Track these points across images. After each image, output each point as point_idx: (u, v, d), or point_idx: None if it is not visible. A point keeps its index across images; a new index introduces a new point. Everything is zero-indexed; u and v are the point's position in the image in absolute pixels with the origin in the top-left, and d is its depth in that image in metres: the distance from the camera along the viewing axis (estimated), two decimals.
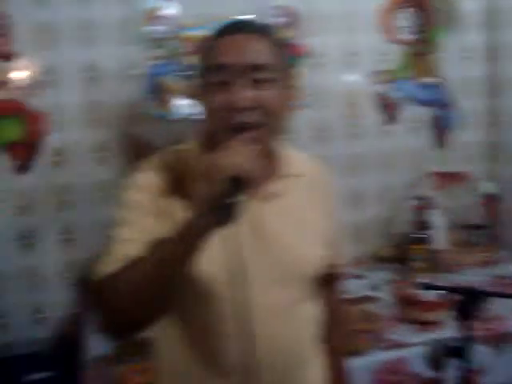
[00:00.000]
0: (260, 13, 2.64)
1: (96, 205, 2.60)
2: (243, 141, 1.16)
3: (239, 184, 1.04)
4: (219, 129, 1.22)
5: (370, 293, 2.39)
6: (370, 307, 2.23)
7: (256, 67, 1.22)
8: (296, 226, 1.34)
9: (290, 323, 1.30)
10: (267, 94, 1.22)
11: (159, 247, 1.12)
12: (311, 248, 1.35)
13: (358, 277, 2.57)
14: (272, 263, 1.27)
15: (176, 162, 1.31)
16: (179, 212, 1.19)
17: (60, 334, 2.44)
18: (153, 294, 1.10)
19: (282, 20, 2.69)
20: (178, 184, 1.27)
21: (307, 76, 2.72)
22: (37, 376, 2.20)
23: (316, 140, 2.86)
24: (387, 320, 2.17)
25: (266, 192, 1.31)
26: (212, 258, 1.19)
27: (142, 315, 1.13)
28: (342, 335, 1.59)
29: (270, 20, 2.66)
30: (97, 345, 2.12)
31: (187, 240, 1.07)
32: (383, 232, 3.00)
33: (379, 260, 2.86)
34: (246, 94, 1.20)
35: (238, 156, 1.06)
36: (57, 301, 2.58)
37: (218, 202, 1.03)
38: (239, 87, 1.20)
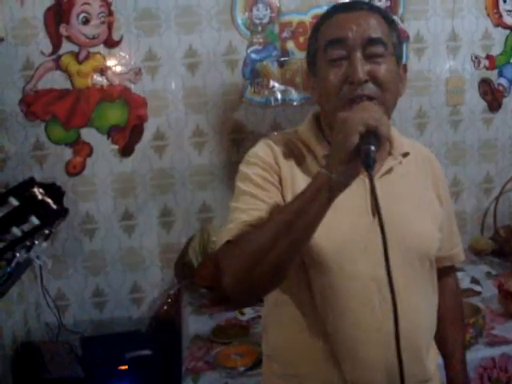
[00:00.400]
0: None
1: (194, 189, 2.64)
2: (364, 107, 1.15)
3: (374, 136, 1.03)
4: (336, 102, 1.22)
5: (470, 286, 2.31)
6: (473, 301, 2.15)
7: (371, 41, 1.22)
8: (413, 205, 1.32)
9: (415, 299, 1.29)
10: (382, 68, 1.22)
11: (286, 209, 1.14)
12: (428, 227, 1.34)
13: (457, 269, 2.49)
14: (393, 239, 1.25)
15: (290, 141, 1.34)
16: (298, 180, 1.23)
17: (159, 314, 2.51)
18: (278, 255, 1.10)
19: (381, 3, 2.63)
20: (293, 155, 1.30)
21: (408, 61, 2.68)
22: (137, 354, 2.26)
23: (416, 126, 2.79)
24: (490, 315, 2.10)
25: (380, 170, 1.30)
26: (331, 233, 1.21)
27: (264, 278, 1.13)
28: (460, 332, 1.55)
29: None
30: (196, 325, 2.18)
31: (317, 197, 1.07)
32: (483, 224, 2.91)
33: (478, 253, 2.77)
34: (363, 68, 1.20)
35: (368, 111, 1.06)
36: (155, 281, 2.66)
37: (354, 154, 1.02)
38: (357, 60, 1.21)
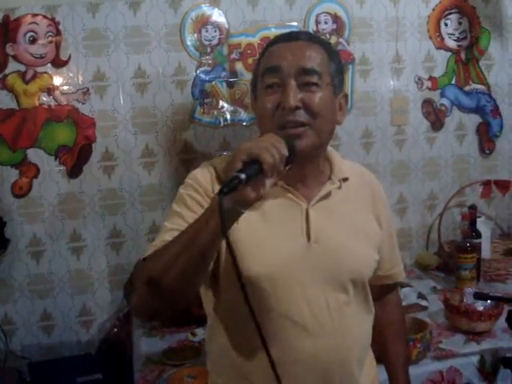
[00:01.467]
0: (305, 20, 2.66)
1: (144, 210, 2.63)
2: (290, 135, 1.23)
3: (255, 165, 1.06)
4: (270, 126, 1.28)
5: (417, 301, 2.36)
6: (420, 316, 2.20)
7: (304, 71, 1.28)
8: (348, 228, 1.37)
9: (343, 323, 1.33)
10: (315, 97, 1.28)
11: (188, 228, 1.17)
12: (363, 250, 1.39)
13: (404, 285, 2.53)
14: (325, 264, 1.32)
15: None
16: None
17: (109, 337, 2.47)
18: (178, 274, 1.13)
19: (328, 26, 2.69)
20: None
21: (354, 82, 2.74)
22: (88, 378, 2.22)
23: (363, 146, 2.85)
24: (437, 329, 2.15)
25: (318, 194, 1.35)
26: (265, 257, 1.27)
27: (168, 294, 1.16)
28: (403, 347, 1.61)
29: (315, 27, 2.67)
30: (147, 347, 2.16)
31: (209, 219, 1.10)
32: (427, 240, 2.99)
33: (423, 268, 2.84)
34: (295, 95, 1.26)
35: (261, 142, 1.09)
36: (105, 304, 2.62)
37: (230, 181, 1.04)
38: (289, 88, 1.27)
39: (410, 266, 2.90)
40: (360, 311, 1.40)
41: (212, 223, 1.08)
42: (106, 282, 2.63)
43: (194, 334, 2.21)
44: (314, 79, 1.28)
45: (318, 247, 1.31)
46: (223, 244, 1.21)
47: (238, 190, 1.04)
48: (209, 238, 1.10)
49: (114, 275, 2.62)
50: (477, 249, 2.52)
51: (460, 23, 2.89)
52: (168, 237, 1.22)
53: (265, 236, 1.29)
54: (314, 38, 1.37)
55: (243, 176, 1.04)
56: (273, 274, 1.28)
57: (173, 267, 1.12)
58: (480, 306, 2.15)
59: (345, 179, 1.40)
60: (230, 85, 2.62)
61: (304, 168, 1.34)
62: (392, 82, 2.86)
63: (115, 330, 2.50)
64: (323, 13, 2.68)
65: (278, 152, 1.08)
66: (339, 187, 1.38)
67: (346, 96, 1.40)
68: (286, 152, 1.10)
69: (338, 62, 1.37)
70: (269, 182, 1.09)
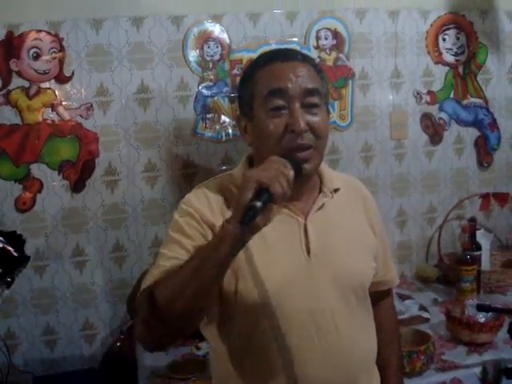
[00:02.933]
0: (306, 36, 2.70)
1: (146, 224, 2.64)
2: (301, 159, 1.26)
3: (266, 193, 1.08)
4: (277, 150, 1.27)
5: (419, 313, 2.38)
6: (421, 328, 2.22)
7: (309, 92, 1.30)
8: (345, 239, 1.40)
9: (349, 333, 1.35)
10: (318, 119, 1.31)
11: (194, 256, 1.18)
12: (362, 259, 1.42)
13: (405, 297, 2.56)
14: (327, 277, 1.34)
15: (226, 187, 1.37)
16: None
17: (112, 351, 2.47)
18: (187, 303, 1.13)
19: (328, 42, 2.73)
20: (226, 202, 1.34)
21: (353, 97, 2.78)
22: None
23: (363, 160, 2.87)
24: (439, 341, 2.17)
25: (312, 208, 1.38)
26: (268, 276, 1.28)
27: (176, 324, 1.17)
28: (397, 350, 1.63)
29: (316, 42, 2.71)
30: (151, 361, 2.16)
31: (219, 246, 1.11)
32: (427, 252, 3.01)
33: (424, 280, 2.86)
34: (303, 118, 1.27)
35: (270, 171, 1.11)
36: (108, 317, 2.63)
37: (243, 209, 1.07)
38: (298, 111, 1.27)
39: (411, 278, 2.92)
40: (364, 320, 1.43)
41: (222, 250, 1.10)
42: (109, 296, 2.63)
43: (197, 348, 2.22)
44: (316, 100, 1.31)
45: (319, 261, 1.33)
46: (238, 269, 1.24)
47: (255, 219, 1.06)
48: (218, 264, 1.12)
49: (116, 289, 2.63)
50: (477, 261, 2.54)
51: (458, 38, 2.94)
52: (168, 265, 1.23)
53: (264, 255, 1.30)
54: (306, 58, 1.38)
55: (259, 204, 1.06)
56: (277, 292, 1.29)
57: (182, 295, 1.12)
58: (481, 317, 2.16)
59: (336, 190, 1.42)
60: (232, 100, 2.65)
61: (302, 186, 1.36)
62: (391, 97, 2.89)
63: (118, 344, 2.50)
64: (323, 28, 2.72)
65: (286, 180, 1.11)
66: (332, 198, 1.41)
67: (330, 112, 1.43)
68: (292, 176, 1.13)
69: (326, 80, 1.41)
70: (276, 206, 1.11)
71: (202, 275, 1.12)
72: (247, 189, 1.08)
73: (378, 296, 1.56)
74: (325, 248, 1.34)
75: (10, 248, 1.49)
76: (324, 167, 1.45)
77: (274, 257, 1.30)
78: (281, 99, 1.28)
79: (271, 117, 1.29)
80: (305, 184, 1.36)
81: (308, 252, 1.33)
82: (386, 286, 1.58)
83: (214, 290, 1.19)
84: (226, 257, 1.11)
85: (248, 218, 1.05)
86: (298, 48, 2.41)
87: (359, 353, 1.37)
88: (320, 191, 1.41)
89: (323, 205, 1.39)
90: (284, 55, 1.35)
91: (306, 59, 1.36)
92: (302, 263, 1.32)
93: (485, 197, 2.95)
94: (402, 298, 2.52)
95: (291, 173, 1.13)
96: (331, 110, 1.50)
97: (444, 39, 2.92)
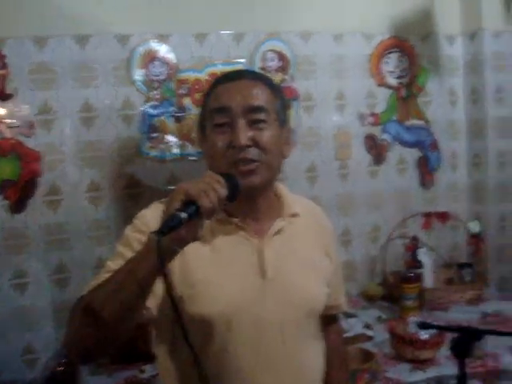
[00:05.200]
0: (252, 57, 2.72)
1: (90, 244, 2.59)
2: (245, 172, 1.28)
3: (194, 205, 1.08)
4: (222, 165, 1.31)
5: (363, 331, 2.40)
6: (366, 346, 2.24)
7: (253, 109, 1.33)
8: (300, 264, 1.41)
9: (300, 357, 1.36)
10: (264, 134, 1.33)
11: (126, 264, 1.17)
12: (314, 285, 1.43)
13: (350, 315, 2.58)
14: (280, 302, 1.34)
15: None
16: None
17: (54, 376, 2.40)
18: (112, 313, 1.12)
19: (274, 64, 2.76)
20: None
21: (298, 118, 2.81)
22: None
23: (308, 180, 2.91)
24: (383, 358, 2.19)
25: (269, 231, 1.38)
26: (218, 296, 1.28)
27: (104, 335, 1.15)
28: (345, 373, 1.64)
29: (262, 64, 2.74)
30: None
31: (146, 256, 1.10)
32: (372, 271, 3.05)
33: (368, 298, 2.90)
34: (245, 134, 1.30)
35: (199, 184, 1.12)
36: (49, 341, 2.55)
37: (169, 220, 1.06)
38: (239, 128, 1.30)
39: (356, 296, 2.95)
40: (315, 344, 1.44)
41: (149, 261, 1.09)
42: (51, 320, 2.56)
43: (142, 371, 2.18)
44: (262, 116, 1.33)
45: (273, 284, 1.34)
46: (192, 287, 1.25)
47: (176, 230, 1.05)
48: (145, 274, 1.11)
49: (59, 312, 2.55)
50: (419, 279, 2.59)
51: (401, 61, 3.02)
52: (108, 276, 1.21)
53: (218, 275, 1.30)
54: (258, 76, 1.43)
55: (184, 215, 1.05)
56: (227, 314, 1.29)
57: (112, 299, 1.12)
58: (424, 334, 2.19)
59: (295, 215, 1.44)
60: (178, 119, 2.64)
61: (256, 203, 1.38)
62: (335, 118, 2.94)
63: (61, 368, 2.43)
64: (269, 50, 2.75)
65: (215, 195, 1.10)
66: (290, 223, 1.42)
67: (290, 130, 1.45)
68: (224, 193, 1.13)
69: (281, 97, 1.43)
70: (206, 222, 1.11)
71: (130, 283, 1.11)
72: (175, 200, 1.09)
73: (328, 319, 1.57)
74: (280, 272, 1.35)
75: None
76: (285, 191, 1.48)
77: (226, 277, 1.31)
78: (225, 116, 1.32)
79: (216, 133, 1.33)
80: (258, 201, 1.38)
81: (263, 274, 1.34)
82: (337, 310, 1.61)
83: (144, 298, 1.16)
84: (152, 267, 1.09)
85: (167, 227, 1.04)
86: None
87: (309, 375, 1.39)
88: (279, 215, 1.42)
89: (281, 229, 1.40)
90: (235, 75, 1.40)
91: (256, 77, 1.40)
92: (255, 286, 1.33)
93: (427, 216, 3.03)
94: (347, 316, 2.53)
95: (223, 189, 1.13)
96: None
97: (387, 62, 3.00)
